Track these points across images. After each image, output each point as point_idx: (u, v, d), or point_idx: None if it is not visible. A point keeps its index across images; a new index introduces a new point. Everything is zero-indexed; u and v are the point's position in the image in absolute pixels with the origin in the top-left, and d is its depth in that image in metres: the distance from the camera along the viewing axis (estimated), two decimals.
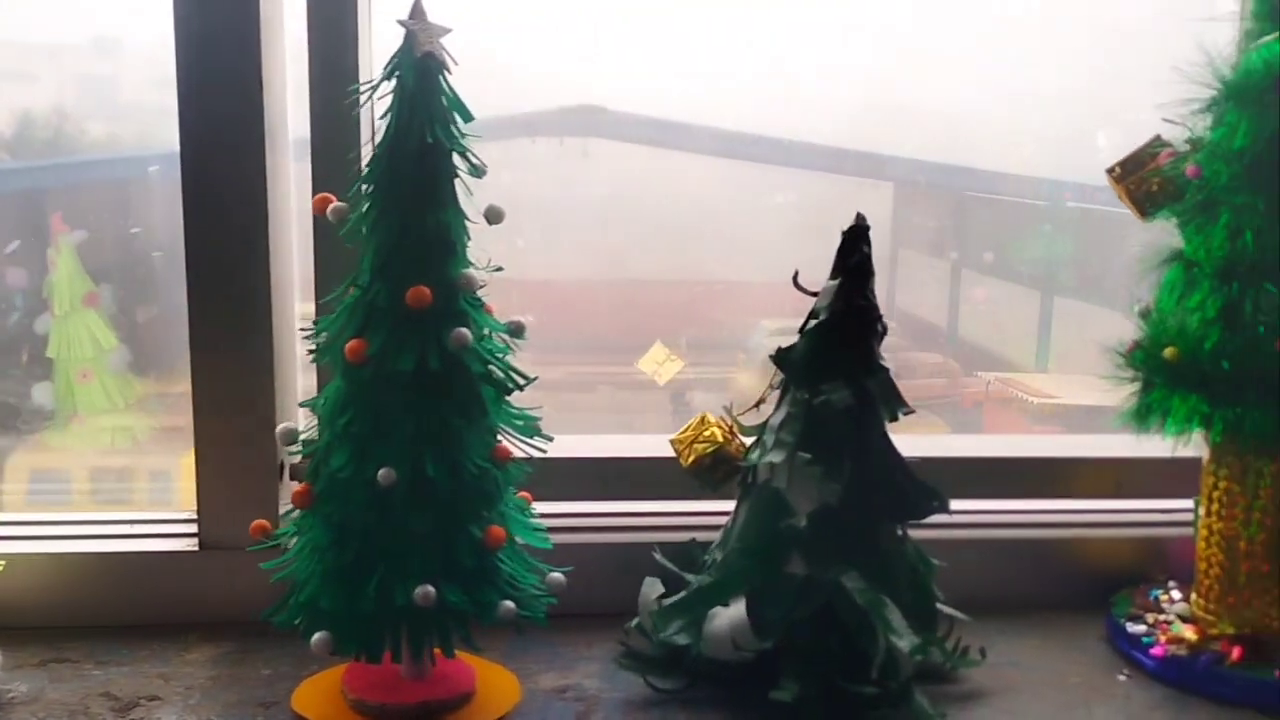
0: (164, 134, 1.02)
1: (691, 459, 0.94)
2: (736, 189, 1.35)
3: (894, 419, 0.90)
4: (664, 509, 1.05)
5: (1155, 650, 0.92)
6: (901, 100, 1.87)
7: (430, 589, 0.74)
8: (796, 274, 0.94)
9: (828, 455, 0.88)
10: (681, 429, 0.95)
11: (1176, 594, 1.00)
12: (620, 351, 1.82)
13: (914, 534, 1.00)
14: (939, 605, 0.90)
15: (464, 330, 0.74)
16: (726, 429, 0.95)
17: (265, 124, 0.93)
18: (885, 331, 0.92)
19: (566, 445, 1.04)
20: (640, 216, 1.79)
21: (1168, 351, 0.89)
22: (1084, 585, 1.04)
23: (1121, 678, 0.92)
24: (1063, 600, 1.04)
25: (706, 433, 0.94)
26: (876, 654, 0.82)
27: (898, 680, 0.83)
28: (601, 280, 1.83)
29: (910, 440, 1.17)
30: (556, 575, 0.85)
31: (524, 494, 0.88)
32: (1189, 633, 0.93)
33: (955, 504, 1.08)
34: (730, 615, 0.85)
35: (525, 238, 1.66)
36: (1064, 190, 2.22)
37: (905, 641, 0.82)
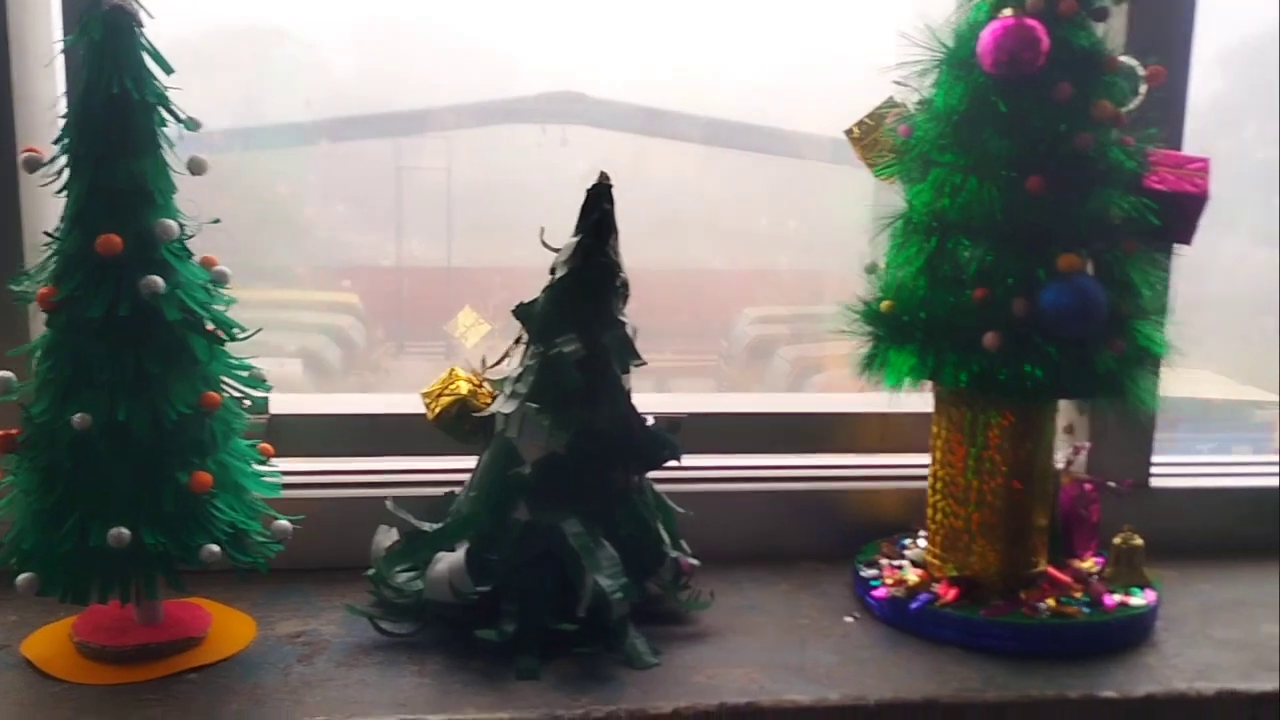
0: None
1: (437, 410, 0.96)
2: (721, 177, 1.36)
3: (625, 371, 0.93)
4: (430, 465, 1.07)
5: (877, 592, 0.96)
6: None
7: (124, 531, 0.76)
8: (542, 230, 0.96)
9: (558, 405, 0.91)
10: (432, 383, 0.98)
11: (923, 542, 1.04)
12: None
13: (684, 486, 1.05)
14: (666, 550, 0.93)
15: (153, 278, 0.76)
16: (475, 381, 0.98)
17: None
18: (626, 288, 0.95)
19: (337, 403, 1.07)
20: (624, 205, 1.89)
21: (884, 305, 0.92)
22: (847, 536, 1.08)
23: (849, 619, 0.96)
24: (826, 550, 1.08)
25: (453, 385, 0.97)
26: (584, 594, 0.85)
27: (610, 620, 0.86)
28: None
29: (681, 397, 1.20)
30: (283, 523, 0.87)
31: (265, 446, 0.90)
32: (913, 576, 0.97)
33: (729, 459, 1.14)
34: (450, 560, 0.87)
35: (507, 222, 1.70)
36: None
37: (611, 583, 0.85)
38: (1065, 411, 1.04)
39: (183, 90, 0.80)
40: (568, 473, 0.89)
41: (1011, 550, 0.94)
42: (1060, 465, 1.02)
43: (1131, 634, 0.92)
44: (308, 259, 1.75)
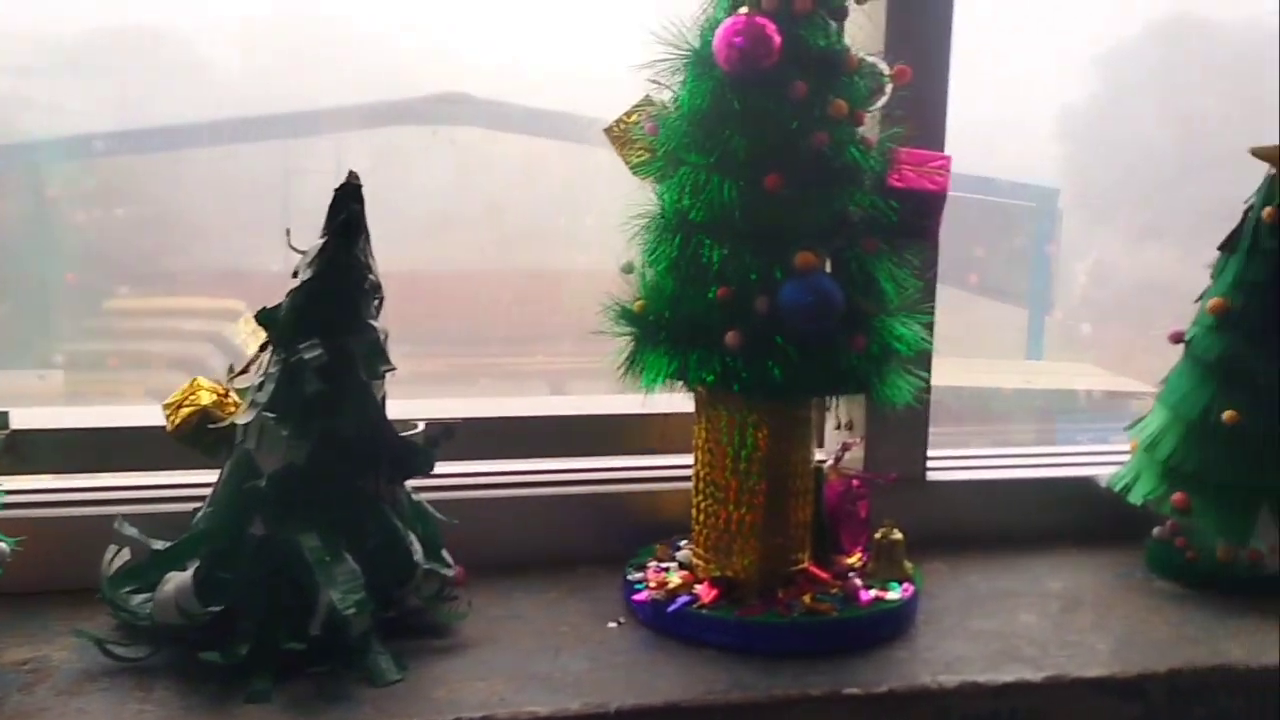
0: None
1: (177, 422, 0.92)
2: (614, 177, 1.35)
3: (375, 377, 0.90)
4: (178, 480, 1.03)
5: (638, 596, 0.95)
6: None
7: None
8: (288, 233, 0.93)
9: (299, 414, 0.87)
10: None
11: None
12: (507, 344, 1.82)
13: (463, 494, 1.03)
14: (419, 562, 0.90)
15: None
16: (220, 391, 0.94)
17: None
18: (377, 291, 0.93)
19: (77, 416, 1.02)
20: (517, 205, 1.73)
21: (636, 305, 0.91)
22: (629, 540, 1.06)
23: (612, 625, 0.95)
24: (607, 555, 1.06)
25: (194, 396, 0.93)
26: (318, 611, 0.82)
27: (349, 637, 0.84)
28: (487, 271, 1.78)
29: (450, 403, 1.18)
30: (1, 546, 0.82)
31: None
32: (677, 578, 0.96)
33: (509, 464, 1.12)
34: (178, 580, 0.83)
35: (401, 225, 1.57)
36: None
37: (345, 598, 0.82)
38: (845, 407, 1.05)
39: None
40: (309, 484, 0.86)
41: (770, 549, 0.94)
42: (828, 461, 1.03)
43: (886, 628, 0.92)
44: (194, 265, 1.69)
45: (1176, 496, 1.02)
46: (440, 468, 0.99)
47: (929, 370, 1.08)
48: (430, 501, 0.98)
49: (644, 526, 1.07)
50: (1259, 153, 1.02)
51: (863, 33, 1.06)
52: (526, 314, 1.84)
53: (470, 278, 1.79)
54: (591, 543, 1.07)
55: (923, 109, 1.04)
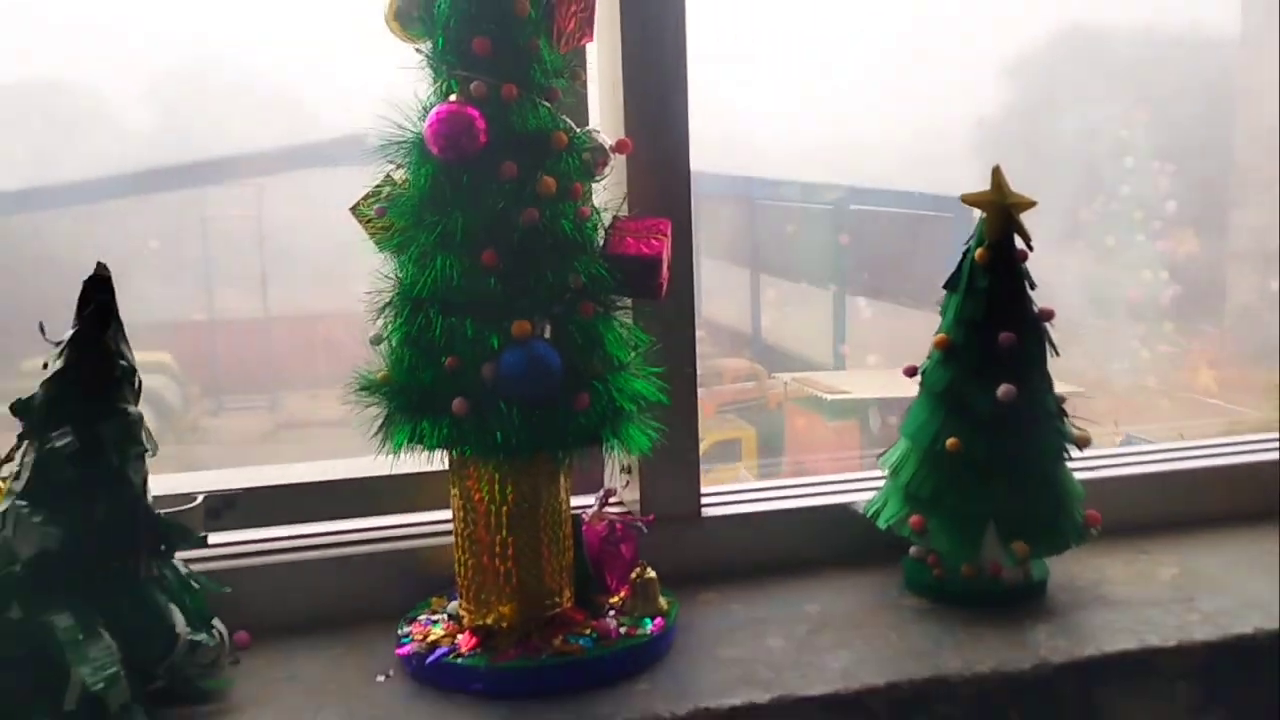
0: None
1: None
2: None
3: (130, 461, 0.94)
4: None
5: (401, 650, 1.00)
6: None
7: None
8: (41, 325, 0.97)
9: (54, 501, 0.92)
10: None
11: None
12: None
13: (251, 560, 1.08)
14: (180, 633, 0.95)
15: None
16: None
17: None
18: (132, 375, 0.97)
19: None
20: None
21: (380, 375, 0.97)
22: (412, 594, 1.11)
23: (380, 679, 1.00)
24: (392, 610, 1.11)
25: None
26: (70, 688, 0.87)
27: (108, 712, 0.88)
28: None
29: (231, 474, 1.21)
30: None
31: None
32: (440, 630, 1.01)
33: (297, 528, 1.17)
34: None
35: (327, 268, 1.68)
36: (845, 193, 2.35)
37: (95, 674, 0.87)
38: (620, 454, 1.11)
39: None
40: (63, 567, 0.90)
41: (526, 596, 1.00)
42: (592, 507, 1.09)
43: (634, 663, 0.99)
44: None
45: (913, 519, 1.10)
46: (227, 536, 1.04)
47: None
48: (216, 569, 1.03)
49: (423, 581, 1.12)
50: (969, 199, 1.10)
51: (603, 107, 1.14)
52: None
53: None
54: (376, 599, 1.12)
55: (663, 170, 1.12)
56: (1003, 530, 1.08)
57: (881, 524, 1.13)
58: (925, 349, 1.13)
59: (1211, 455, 1.36)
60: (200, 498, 1.08)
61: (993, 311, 1.09)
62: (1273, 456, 1.35)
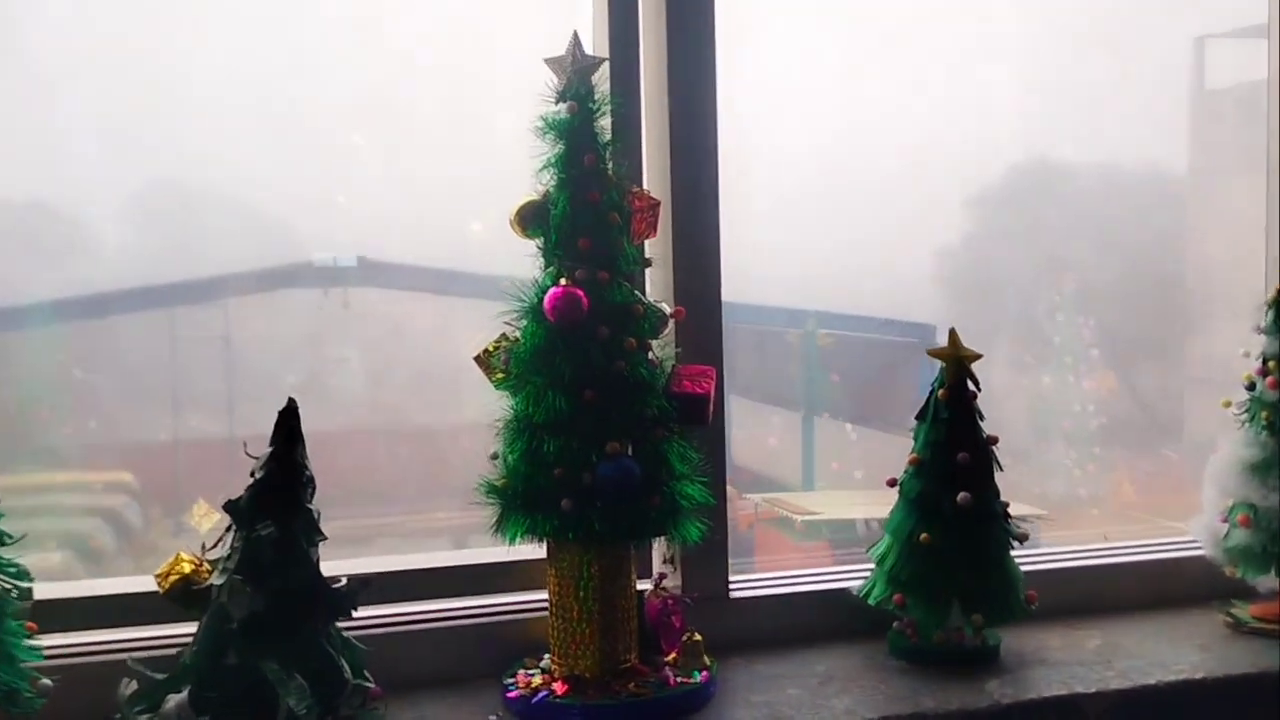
0: None
1: (166, 587, 1.25)
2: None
3: (312, 545, 1.25)
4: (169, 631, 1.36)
5: (510, 694, 1.30)
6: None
7: None
8: (245, 445, 1.29)
9: (258, 575, 1.22)
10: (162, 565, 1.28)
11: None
12: (397, 502, 1.93)
13: (375, 630, 1.37)
14: (348, 679, 1.24)
15: None
16: (196, 561, 1.28)
17: None
18: (312, 482, 1.29)
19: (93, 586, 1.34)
20: (410, 364, 1.86)
21: (501, 483, 1.30)
22: (509, 656, 1.41)
23: (492, 717, 1.29)
24: (493, 669, 1.40)
25: (178, 566, 1.26)
26: (280, 716, 1.16)
27: None
28: (378, 430, 1.90)
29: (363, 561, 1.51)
30: (44, 682, 1.14)
31: (30, 624, 1.18)
32: (539, 679, 1.32)
33: (424, 605, 1.46)
34: (177, 700, 1.16)
35: (295, 387, 1.72)
36: (810, 319, 2.47)
37: (298, 704, 1.16)
38: (666, 546, 1.44)
39: None
40: (267, 625, 1.20)
41: (605, 653, 1.31)
42: (650, 586, 1.41)
43: (689, 703, 1.30)
44: (79, 439, 1.74)
45: (896, 597, 1.43)
46: (362, 611, 1.34)
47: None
48: (358, 635, 1.33)
49: (518, 646, 1.42)
50: (934, 354, 1.46)
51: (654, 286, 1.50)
52: (423, 472, 1.93)
53: (362, 436, 1.86)
54: (480, 663, 1.41)
55: (701, 335, 1.47)
56: (964, 606, 1.41)
57: (872, 602, 1.45)
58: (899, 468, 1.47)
59: (1130, 554, 1.70)
60: (344, 579, 1.39)
61: (952, 437, 1.44)
62: (1180, 554, 1.69)
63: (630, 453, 1.27)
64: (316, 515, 1.27)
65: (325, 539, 1.26)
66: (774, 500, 2.49)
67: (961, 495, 1.41)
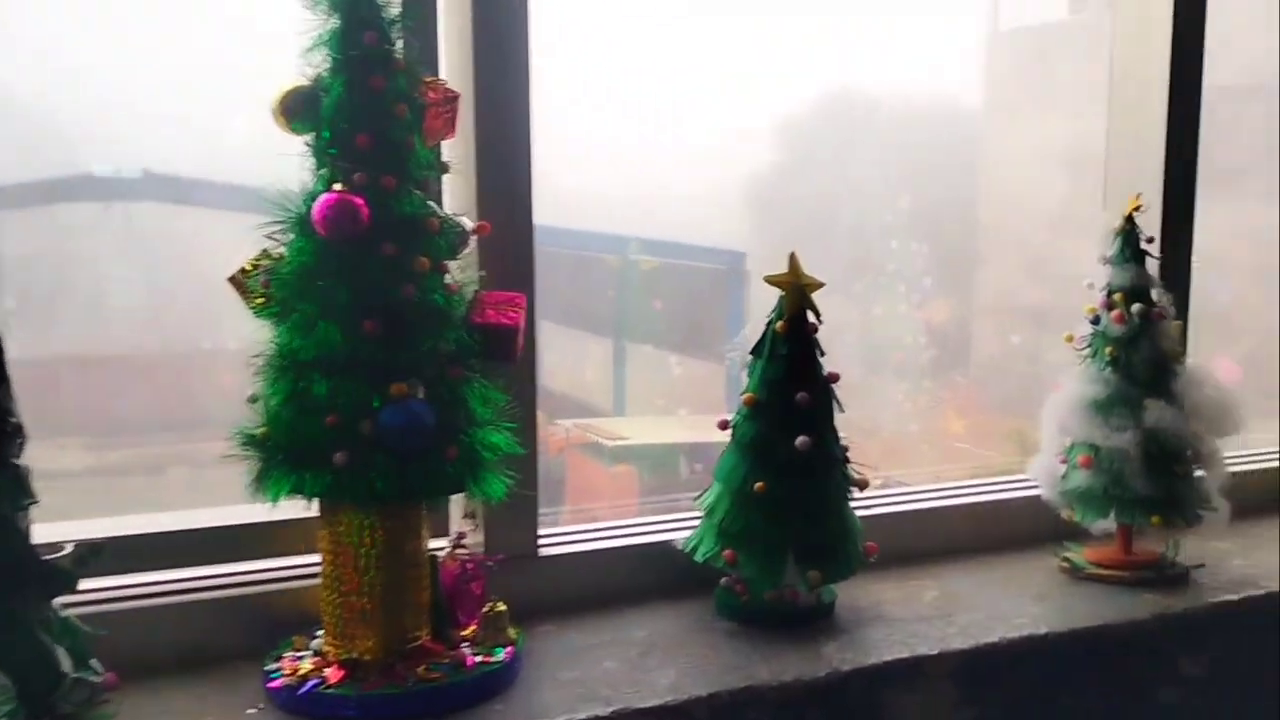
0: None
1: None
2: None
3: (18, 511, 1.00)
4: None
5: (273, 683, 1.09)
6: None
7: None
8: None
9: None
10: None
11: None
12: (190, 428, 1.79)
13: (118, 605, 1.13)
14: (65, 672, 1.01)
15: None
16: None
17: None
18: (20, 431, 1.03)
19: None
20: (196, 283, 1.71)
21: (260, 432, 1.07)
22: (273, 634, 1.19)
23: (252, 711, 1.08)
24: (254, 650, 1.18)
25: None
26: None
27: None
28: (166, 355, 1.76)
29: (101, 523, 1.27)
30: None
31: None
32: (308, 664, 1.11)
33: (162, 574, 1.23)
34: None
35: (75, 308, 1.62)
36: (629, 244, 2.41)
37: None
38: (467, 501, 1.24)
39: None
40: None
41: (389, 631, 1.11)
42: (445, 549, 1.21)
43: (490, 687, 1.11)
44: None
45: (726, 553, 1.28)
46: (94, 582, 1.09)
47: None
48: (87, 614, 1.08)
49: (286, 621, 1.20)
50: (771, 280, 1.30)
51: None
52: (202, 397, 1.80)
53: (146, 360, 1.75)
54: (239, 640, 1.19)
55: (510, 256, 1.27)
56: (800, 560, 1.27)
57: (699, 558, 1.30)
58: (703, 394, 1.32)
59: (963, 495, 1.61)
60: (70, 546, 1.13)
61: (791, 374, 1.29)
62: (1014, 494, 1.61)
63: (420, 396, 1.06)
64: (26, 473, 1.01)
65: (36, 502, 1.01)
66: (585, 425, 2.48)
67: (801, 439, 1.26)
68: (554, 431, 2.45)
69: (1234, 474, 1.74)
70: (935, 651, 1.23)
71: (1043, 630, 1.28)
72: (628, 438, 2.38)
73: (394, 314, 1.05)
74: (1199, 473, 1.46)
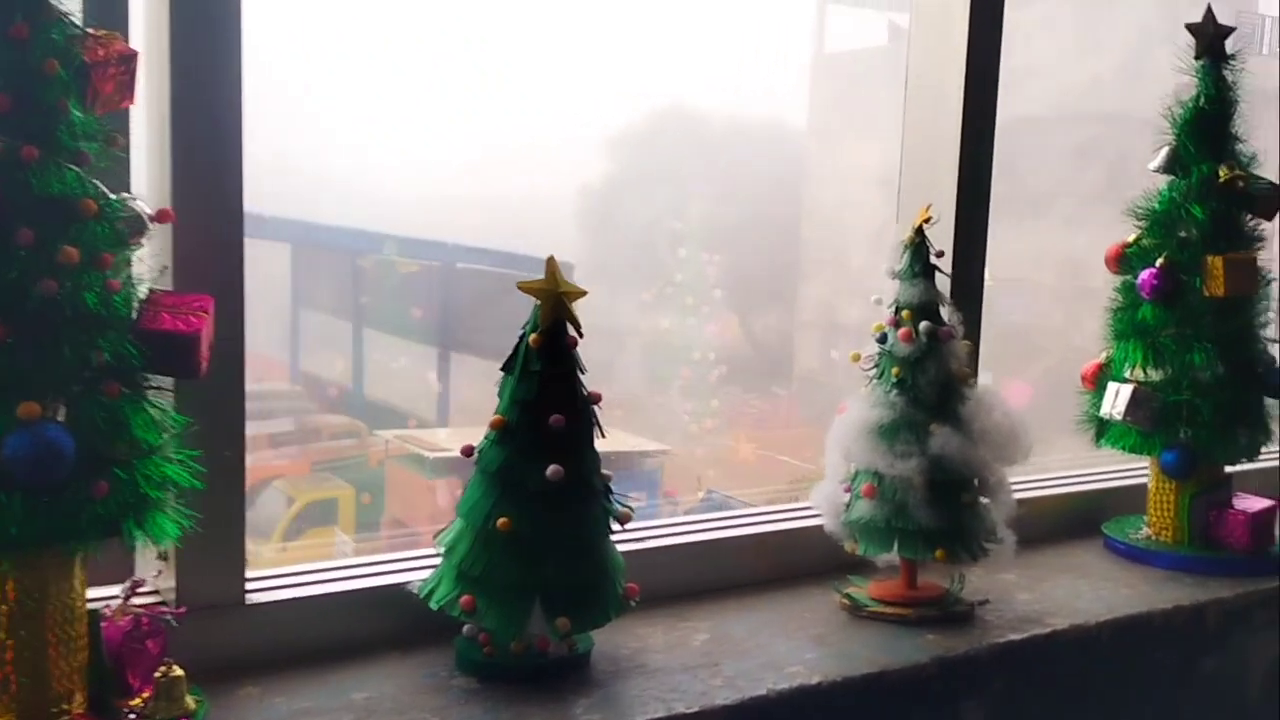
0: None
1: None
2: None
3: None
4: None
5: None
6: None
7: None
8: None
9: None
10: None
11: None
12: None
13: None
14: None
15: None
16: None
17: None
18: None
19: None
20: None
21: None
22: None
23: None
24: None
25: None
26: None
27: None
28: None
29: None
30: None
31: None
32: None
33: None
34: None
35: None
36: (453, 252, 2.26)
37: None
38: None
39: None
40: None
41: (30, 702, 0.90)
42: (118, 600, 1.01)
43: None
44: None
45: (464, 599, 1.11)
46: None
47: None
48: None
49: None
50: (524, 287, 1.15)
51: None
52: None
53: None
54: None
55: (213, 242, 1.07)
56: (548, 606, 1.12)
57: (434, 604, 1.13)
58: None
59: (742, 526, 1.49)
60: None
61: (545, 394, 1.14)
62: (796, 525, 1.50)
63: (59, 418, 0.86)
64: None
65: None
66: (405, 436, 2.36)
67: (552, 468, 1.11)
68: (373, 442, 2.36)
69: (1025, 501, 1.72)
70: (694, 709, 1.09)
71: (815, 680, 1.16)
72: (449, 449, 2.25)
73: (28, 316, 0.84)
74: (985, 502, 1.39)
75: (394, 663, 1.16)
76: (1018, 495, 1.81)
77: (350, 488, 2.40)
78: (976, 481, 1.38)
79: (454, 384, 2.41)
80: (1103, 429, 1.66)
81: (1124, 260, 1.66)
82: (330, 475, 2.41)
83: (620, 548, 1.22)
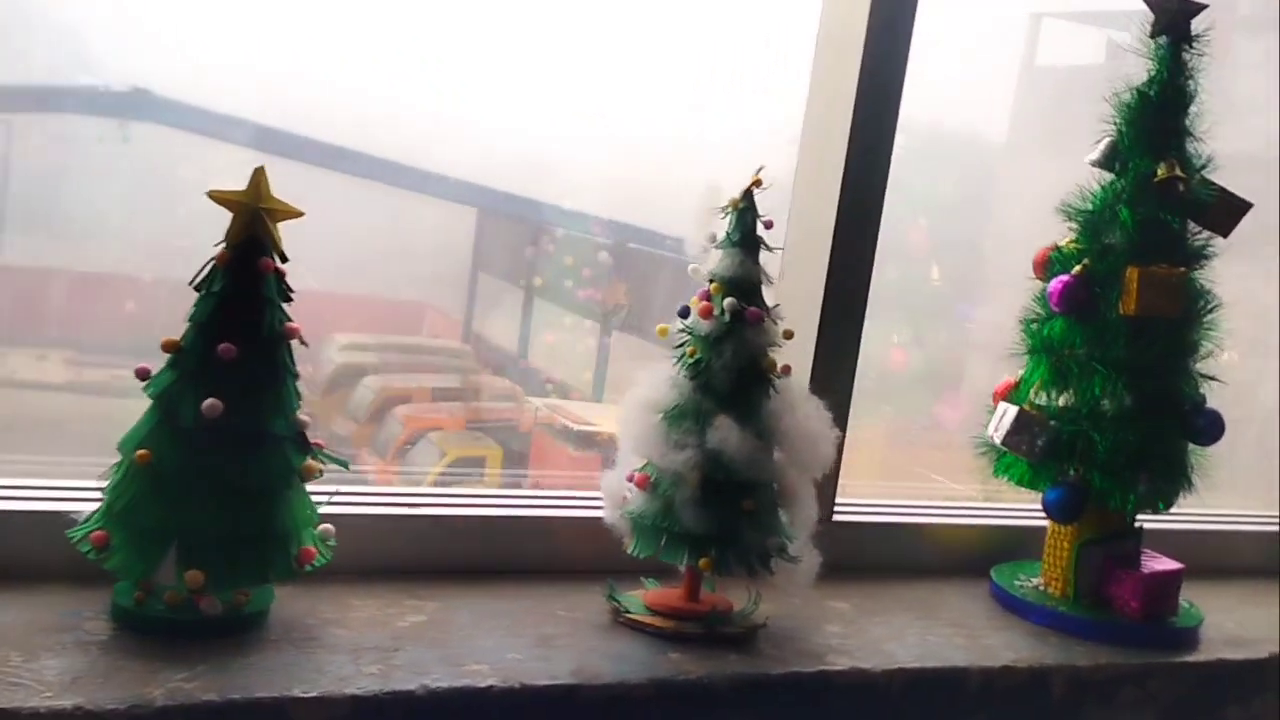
0: None
1: None
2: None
3: None
4: None
5: None
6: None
7: None
8: None
9: None
10: None
11: None
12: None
13: None
14: None
15: None
16: None
17: None
18: None
19: None
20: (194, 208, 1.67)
21: None
22: None
23: None
24: None
25: None
26: None
27: None
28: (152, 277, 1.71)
29: None
30: None
31: None
32: None
33: None
34: None
35: (66, 220, 1.59)
36: (627, 232, 2.25)
37: None
38: None
39: None
40: None
41: None
42: None
43: None
44: None
45: (96, 534, 1.00)
46: None
47: None
48: None
49: None
50: (215, 195, 1.02)
51: None
52: None
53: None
54: None
55: None
56: (184, 556, 0.99)
57: (72, 536, 1.02)
58: None
59: (519, 508, 1.33)
60: None
61: (224, 319, 1.01)
62: (572, 514, 1.33)
63: None
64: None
65: None
66: (554, 407, 2.41)
67: (208, 403, 0.98)
68: (526, 408, 2.40)
69: (920, 528, 1.52)
70: (312, 694, 0.94)
71: (485, 684, 1.00)
72: (596, 425, 2.27)
73: None
74: (782, 513, 1.20)
75: (47, 594, 1.06)
76: (916, 520, 1.63)
77: (499, 448, 2.42)
78: (775, 487, 1.19)
79: (613, 362, 2.35)
80: (999, 457, 1.45)
81: (1049, 265, 1.44)
82: (482, 435, 2.41)
83: (381, 511, 1.09)
